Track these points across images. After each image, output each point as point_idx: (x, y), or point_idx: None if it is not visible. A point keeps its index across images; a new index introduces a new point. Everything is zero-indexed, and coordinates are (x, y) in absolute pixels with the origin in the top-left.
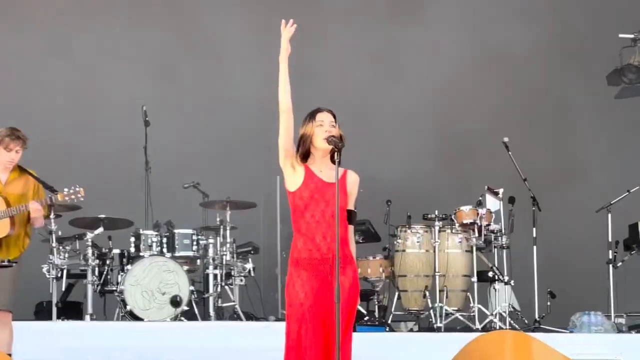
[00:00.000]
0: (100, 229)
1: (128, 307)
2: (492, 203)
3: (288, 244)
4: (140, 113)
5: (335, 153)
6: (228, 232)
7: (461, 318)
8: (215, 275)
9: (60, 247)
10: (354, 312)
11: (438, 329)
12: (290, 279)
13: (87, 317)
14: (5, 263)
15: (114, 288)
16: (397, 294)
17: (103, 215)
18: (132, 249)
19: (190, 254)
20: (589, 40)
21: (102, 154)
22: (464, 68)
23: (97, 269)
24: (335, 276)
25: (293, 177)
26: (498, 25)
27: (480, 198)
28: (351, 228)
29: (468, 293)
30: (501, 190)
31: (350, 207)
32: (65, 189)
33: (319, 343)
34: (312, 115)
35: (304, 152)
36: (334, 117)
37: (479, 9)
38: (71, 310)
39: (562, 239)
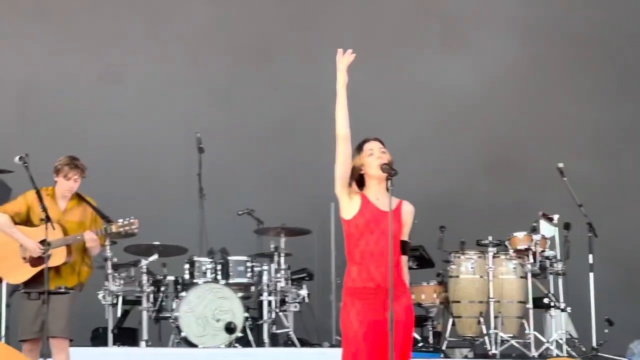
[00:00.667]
0: (155, 256)
1: (183, 334)
2: (547, 229)
3: (342, 270)
4: (194, 140)
5: (389, 181)
6: (282, 258)
7: (517, 345)
8: (269, 302)
9: (116, 274)
10: (411, 342)
11: (493, 356)
12: (344, 309)
13: (143, 343)
14: (62, 290)
15: (169, 315)
16: (451, 320)
17: (158, 242)
18: (187, 276)
19: (245, 280)
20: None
21: (156, 180)
22: (518, 92)
23: (152, 295)
24: (390, 305)
25: (349, 205)
26: (553, 48)
27: (535, 224)
28: (405, 258)
29: (523, 320)
30: (556, 216)
31: (405, 237)
32: (120, 220)
33: None
34: (359, 147)
35: (358, 182)
36: (382, 143)
37: (526, 32)
38: (127, 336)
39: (619, 265)
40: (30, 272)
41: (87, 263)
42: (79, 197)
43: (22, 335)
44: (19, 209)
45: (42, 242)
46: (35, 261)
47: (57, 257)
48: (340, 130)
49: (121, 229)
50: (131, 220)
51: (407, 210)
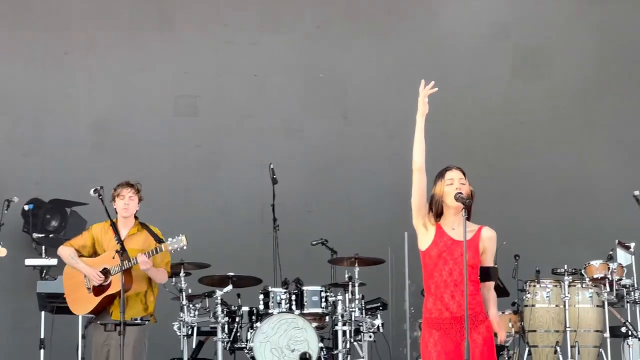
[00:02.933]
0: (230, 287)
1: None
2: (624, 257)
3: (416, 299)
4: (268, 171)
5: (463, 210)
6: (357, 288)
7: None
8: (344, 332)
9: (191, 305)
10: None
11: None
12: (423, 339)
13: None
14: (138, 321)
15: (244, 345)
16: (527, 349)
17: (232, 273)
18: (261, 306)
19: (319, 310)
20: None
21: (230, 212)
22: (589, 118)
23: (226, 326)
24: (466, 335)
25: (425, 236)
26: (624, 73)
27: (611, 252)
28: (492, 285)
29: (601, 349)
30: (633, 244)
31: (488, 263)
32: (169, 239)
33: None
34: (441, 174)
35: (437, 211)
36: (464, 174)
37: (595, 57)
38: None
39: None
40: (94, 301)
41: (154, 296)
42: (141, 225)
43: None
44: (84, 243)
45: (104, 270)
46: (97, 290)
47: (115, 284)
48: (416, 162)
49: (170, 248)
50: (179, 238)
51: (487, 237)
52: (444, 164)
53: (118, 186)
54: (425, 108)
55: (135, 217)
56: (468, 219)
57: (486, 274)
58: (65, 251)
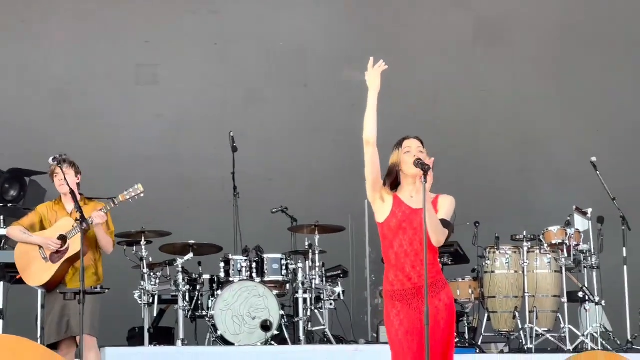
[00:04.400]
0: (190, 255)
1: (219, 332)
2: (581, 223)
3: (377, 267)
4: (228, 138)
5: (423, 176)
6: (317, 256)
7: (552, 339)
8: (305, 299)
9: (151, 274)
10: (453, 336)
11: (529, 350)
12: (386, 311)
13: (179, 342)
14: (98, 289)
15: (205, 313)
16: (486, 315)
17: (193, 241)
18: (222, 274)
19: (280, 278)
20: None
21: (190, 180)
22: (551, 89)
23: (187, 294)
24: (426, 302)
25: (382, 208)
26: (577, 49)
27: (569, 218)
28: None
29: (558, 314)
30: (590, 210)
31: (443, 217)
32: (125, 191)
33: None
34: (399, 143)
35: (393, 181)
36: (422, 142)
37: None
38: (163, 335)
39: None
40: (52, 269)
41: (101, 266)
42: (87, 199)
43: (50, 339)
44: (31, 222)
45: (60, 237)
46: (55, 257)
47: (74, 246)
48: (367, 136)
49: (128, 197)
50: (136, 186)
51: (444, 198)
52: (409, 131)
53: (51, 166)
54: (377, 83)
55: (81, 194)
56: (427, 188)
57: (445, 225)
58: (14, 230)
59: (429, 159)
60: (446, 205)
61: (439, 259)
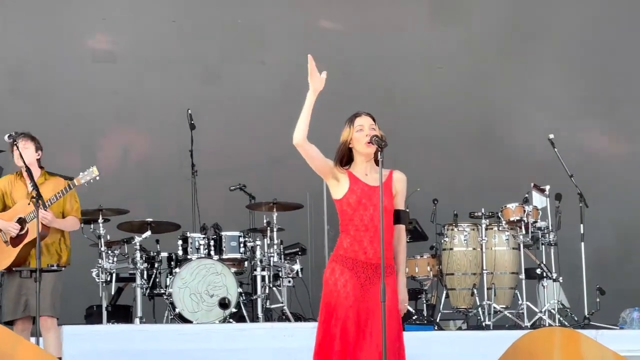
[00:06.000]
0: (148, 233)
1: (177, 310)
2: (539, 200)
3: (335, 244)
4: (186, 116)
5: (379, 153)
6: (275, 233)
7: (509, 315)
8: (263, 277)
9: (109, 251)
10: (396, 325)
11: (486, 327)
12: (331, 275)
13: (137, 320)
14: (54, 267)
15: (163, 291)
16: (445, 292)
17: (150, 219)
18: (180, 252)
19: (238, 256)
20: (635, 34)
21: (148, 158)
22: (507, 64)
23: (145, 272)
24: (380, 281)
25: (338, 186)
26: (537, 24)
27: (527, 195)
28: (403, 229)
29: (516, 290)
30: (548, 187)
31: (400, 207)
32: (81, 173)
33: (348, 347)
34: (350, 121)
35: (345, 158)
36: (374, 119)
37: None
38: (121, 313)
39: (610, 235)
40: (13, 253)
41: (66, 245)
42: (48, 173)
43: (6, 317)
44: None
45: (19, 220)
46: (15, 241)
47: (33, 231)
48: (296, 139)
49: (83, 181)
50: (90, 169)
51: (398, 179)
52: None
53: (7, 141)
54: (318, 84)
55: (41, 167)
56: (377, 163)
57: (397, 217)
58: None
59: (381, 134)
60: (402, 190)
61: None
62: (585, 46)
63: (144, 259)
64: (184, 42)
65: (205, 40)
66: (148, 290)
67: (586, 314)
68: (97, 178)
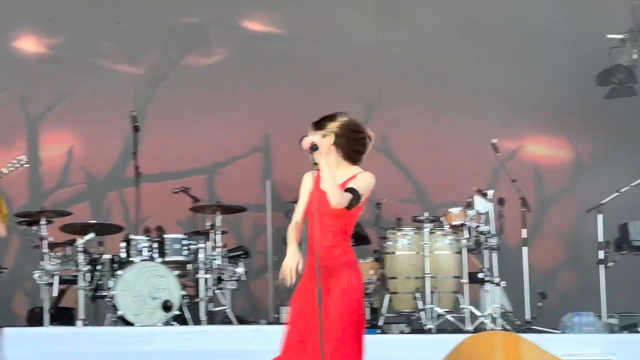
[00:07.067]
0: (91, 235)
1: (119, 313)
2: (482, 204)
3: (278, 247)
4: (130, 118)
5: (311, 155)
6: (219, 236)
7: (452, 319)
8: (206, 280)
9: (52, 253)
10: (348, 317)
11: (429, 331)
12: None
13: (79, 322)
14: None
15: (105, 293)
16: (388, 296)
17: (94, 221)
18: (123, 255)
19: (181, 258)
20: (578, 40)
21: (92, 158)
22: (453, 69)
23: (88, 274)
24: (319, 281)
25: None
26: (485, 25)
27: (470, 200)
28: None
29: (459, 294)
30: (490, 192)
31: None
32: (7, 163)
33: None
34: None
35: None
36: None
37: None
38: (63, 316)
39: (553, 240)
40: None
41: None
42: None
43: None
44: None
45: None
46: None
47: None
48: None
49: (11, 167)
50: (19, 157)
51: (360, 176)
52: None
53: None
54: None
55: None
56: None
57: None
58: None
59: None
60: (359, 179)
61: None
62: (528, 47)
63: (86, 261)
64: (128, 44)
65: (149, 42)
66: (91, 293)
67: (528, 318)
68: (26, 165)
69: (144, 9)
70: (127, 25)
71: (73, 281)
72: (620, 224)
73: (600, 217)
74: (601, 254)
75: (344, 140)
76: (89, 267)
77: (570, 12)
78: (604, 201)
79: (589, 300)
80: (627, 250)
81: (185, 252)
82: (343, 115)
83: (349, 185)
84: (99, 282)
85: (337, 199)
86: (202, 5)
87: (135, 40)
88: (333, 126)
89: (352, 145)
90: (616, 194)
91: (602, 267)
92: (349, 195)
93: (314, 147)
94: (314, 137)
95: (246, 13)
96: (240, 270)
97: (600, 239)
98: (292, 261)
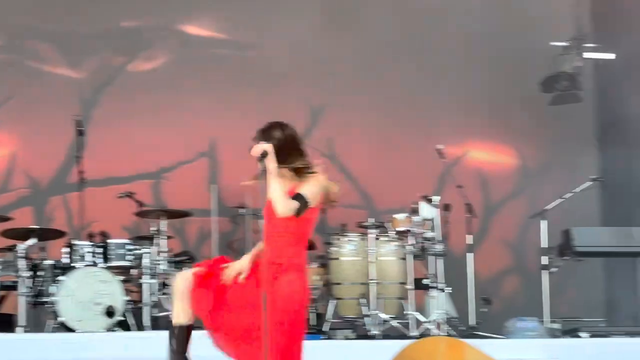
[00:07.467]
0: (33, 240)
1: (61, 319)
2: (427, 210)
3: (223, 252)
4: (74, 122)
5: (261, 162)
6: (163, 241)
7: (397, 325)
8: (150, 285)
9: None
10: (284, 319)
11: (374, 336)
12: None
13: (20, 329)
14: None
15: (47, 300)
16: (333, 302)
17: (36, 226)
18: (66, 260)
19: (125, 263)
20: (523, 47)
21: (35, 163)
22: (400, 76)
23: (29, 280)
24: (265, 282)
25: None
26: (430, 32)
27: (415, 206)
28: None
29: (403, 300)
30: (436, 198)
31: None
32: None
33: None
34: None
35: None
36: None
37: (406, 20)
38: (3, 322)
39: (498, 246)
40: None
41: None
42: None
43: None
44: None
45: None
46: None
47: None
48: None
49: None
50: None
51: (310, 179)
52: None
53: None
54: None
55: None
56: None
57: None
58: None
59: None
60: (306, 184)
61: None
62: (473, 54)
63: (28, 266)
64: (69, 48)
65: (93, 45)
66: (32, 299)
67: (472, 323)
68: None
69: (84, 14)
70: (67, 30)
71: (13, 287)
72: (563, 230)
73: (544, 223)
74: (545, 260)
75: (285, 152)
76: (30, 272)
77: (514, 19)
78: (547, 207)
79: (532, 305)
80: (570, 255)
81: (130, 257)
82: (287, 127)
83: (297, 191)
84: (40, 288)
85: (283, 208)
86: (146, 10)
87: (77, 45)
88: (277, 136)
89: (292, 158)
90: (560, 200)
91: (545, 273)
92: (295, 203)
93: (264, 154)
94: (264, 144)
95: (191, 18)
96: None
97: (544, 244)
98: (237, 268)
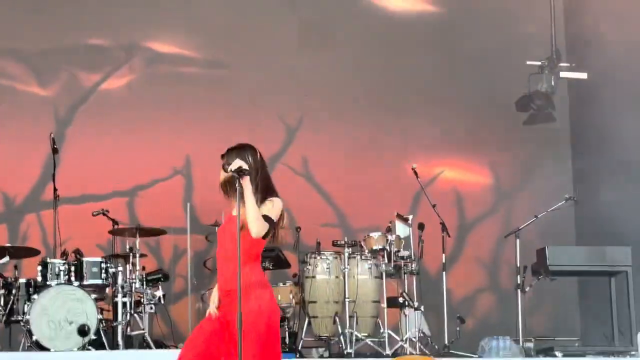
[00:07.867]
0: (6, 258)
1: (34, 337)
2: (402, 229)
3: (198, 271)
4: (49, 140)
5: (237, 181)
6: (138, 259)
7: (371, 344)
8: (124, 303)
9: None
10: (254, 344)
11: (348, 355)
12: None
13: None
14: None
15: (20, 318)
16: (307, 320)
17: (9, 244)
18: (39, 278)
19: (99, 282)
20: (498, 66)
21: (8, 181)
22: (371, 94)
23: (2, 298)
24: (239, 309)
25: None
26: (406, 51)
27: (390, 224)
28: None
29: (378, 319)
30: (410, 217)
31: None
32: None
33: None
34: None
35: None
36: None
37: (382, 39)
38: None
39: (472, 264)
40: None
41: None
42: None
43: None
44: None
45: None
46: None
47: None
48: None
49: None
50: None
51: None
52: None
53: None
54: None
55: None
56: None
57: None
58: None
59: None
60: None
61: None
62: (449, 73)
63: (1, 285)
64: (39, 67)
65: (62, 65)
66: (4, 317)
67: (446, 342)
68: None
69: (53, 31)
70: (36, 48)
71: None
72: (538, 249)
73: (517, 242)
74: (519, 279)
75: (255, 172)
76: (3, 291)
77: (490, 38)
78: (521, 226)
79: (506, 324)
80: (544, 274)
81: (104, 276)
82: (256, 149)
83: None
84: (13, 306)
85: (258, 228)
86: (114, 28)
87: (45, 63)
88: (250, 156)
89: (262, 180)
90: (534, 218)
91: (519, 292)
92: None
93: (241, 172)
94: (241, 162)
95: (166, 36)
96: (159, 293)
97: (519, 263)
98: (212, 305)
